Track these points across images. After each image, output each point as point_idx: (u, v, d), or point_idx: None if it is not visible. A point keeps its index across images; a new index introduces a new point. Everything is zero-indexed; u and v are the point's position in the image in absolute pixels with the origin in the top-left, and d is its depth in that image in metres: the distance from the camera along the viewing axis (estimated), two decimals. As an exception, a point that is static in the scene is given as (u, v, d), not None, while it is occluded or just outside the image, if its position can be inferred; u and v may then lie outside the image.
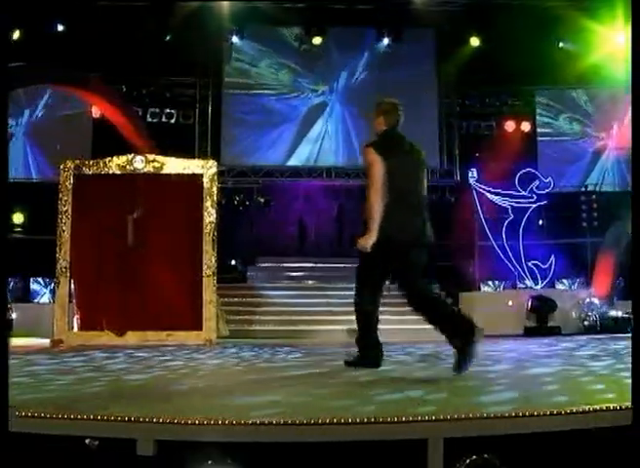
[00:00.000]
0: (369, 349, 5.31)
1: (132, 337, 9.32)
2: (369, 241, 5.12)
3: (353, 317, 12.08)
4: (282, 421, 2.88)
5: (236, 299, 13.94)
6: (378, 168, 5.18)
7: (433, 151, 18.28)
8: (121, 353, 7.29)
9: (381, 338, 5.32)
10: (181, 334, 9.44)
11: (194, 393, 3.66)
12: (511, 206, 14.93)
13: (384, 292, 5.42)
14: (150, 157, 10.12)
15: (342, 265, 16.80)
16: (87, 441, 2.89)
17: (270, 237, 17.89)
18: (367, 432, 2.83)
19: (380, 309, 5.42)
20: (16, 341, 8.63)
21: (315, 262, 16.95)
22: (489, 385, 4.00)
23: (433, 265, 15.95)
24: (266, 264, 17.09)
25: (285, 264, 17.04)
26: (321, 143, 18.54)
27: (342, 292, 14.75)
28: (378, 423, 2.84)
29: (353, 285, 15.12)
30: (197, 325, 9.51)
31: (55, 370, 4.94)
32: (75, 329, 9.52)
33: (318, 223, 18.34)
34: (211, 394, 3.62)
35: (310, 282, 16.16)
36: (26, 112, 17.22)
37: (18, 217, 15.49)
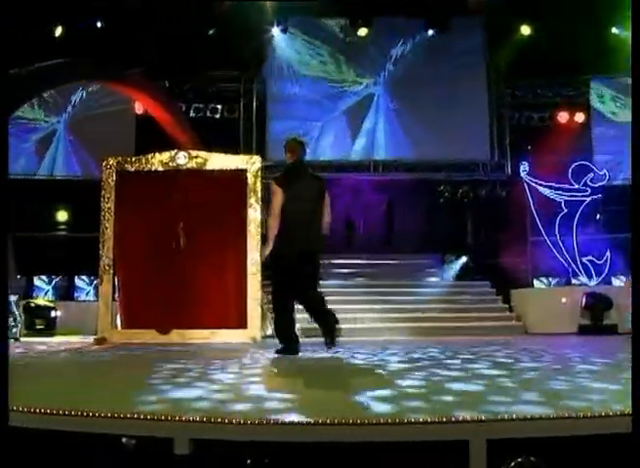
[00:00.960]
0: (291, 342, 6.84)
1: (175, 336, 9.39)
2: (264, 252, 6.90)
3: (401, 314, 12.17)
4: (320, 421, 2.87)
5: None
6: (276, 199, 6.67)
7: (483, 144, 18.14)
8: (158, 349, 7.37)
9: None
10: (226, 333, 9.48)
11: (231, 391, 3.68)
12: (564, 200, 14.71)
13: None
14: (193, 153, 10.20)
15: (392, 262, 16.78)
16: (124, 440, 2.92)
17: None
18: (405, 432, 2.81)
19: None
20: (59, 339, 8.77)
21: (364, 259, 16.92)
22: (534, 384, 3.93)
23: (484, 262, 16.15)
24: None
25: (333, 261, 17.02)
26: (368, 137, 18.48)
27: (392, 289, 14.77)
28: (417, 423, 2.82)
29: (403, 281, 15.25)
30: (242, 323, 9.53)
31: (91, 367, 5.01)
32: (119, 326, 9.64)
33: (367, 219, 18.30)
34: (249, 392, 3.63)
35: (359, 279, 16.13)
36: (68, 109, 17.50)
37: (62, 215, 15.79)
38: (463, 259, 16.69)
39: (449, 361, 5.55)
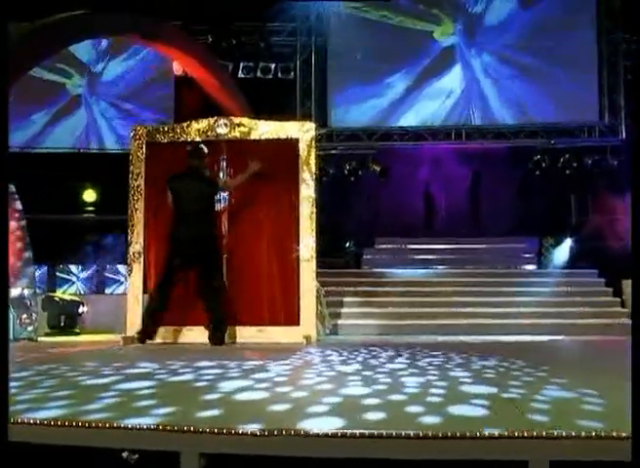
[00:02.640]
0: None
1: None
2: None
3: (492, 309, 12.23)
4: (357, 434, 2.87)
5: (348, 288, 13.99)
6: (167, 194, 9.18)
7: (591, 103, 17.79)
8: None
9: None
10: (275, 330, 9.49)
11: (255, 400, 3.70)
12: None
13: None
14: (236, 120, 10.23)
15: (480, 246, 16.66)
16: (124, 454, 2.98)
17: (390, 213, 17.90)
18: (452, 449, 2.80)
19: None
20: (85, 338, 8.93)
21: (445, 243, 16.84)
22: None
23: (590, 246, 15.83)
24: (386, 246, 17.12)
25: (409, 246, 17.00)
26: (451, 98, 18.32)
27: (478, 279, 14.64)
28: (465, 438, 2.80)
29: (491, 270, 15.43)
30: (293, 319, 9.55)
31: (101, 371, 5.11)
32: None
33: (449, 195, 18.23)
34: (274, 402, 3.64)
35: (440, 267, 16.06)
36: (94, 70, 17.79)
37: (90, 195, 16.05)
38: (566, 243, 16.45)
39: (529, 369, 5.43)
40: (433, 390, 4.00)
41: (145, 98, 16.57)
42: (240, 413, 3.33)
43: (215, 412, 3.28)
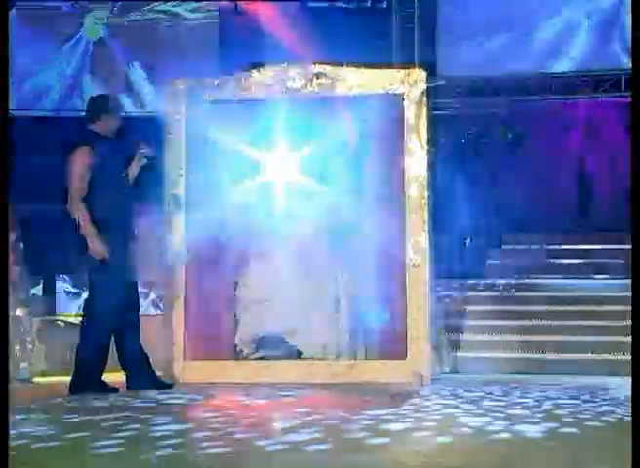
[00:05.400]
0: None
1: (284, 371, 9.51)
2: None
3: None
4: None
5: (472, 307, 13.90)
6: None
7: None
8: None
9: None
10: (371, 366, 9.51)
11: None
12: None
13: None
14: (315, 69, 10.21)
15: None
16: None
17: (526, 199, 17.78)
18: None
19: None
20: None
21: (608, 243, 16.64)
22: None
23: None
24: (520, 246, 16.98)
25: (553, 246, 16.83)
26: (617, 30, 18.06)
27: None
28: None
29: None
30: (398, 350, 9.53)
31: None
32: (190, 357, 9.63)
33: (613, 174, 18.02)
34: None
35: (600, 277, 15.87)
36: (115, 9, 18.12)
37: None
38: None
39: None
40: None
41: (181, 43, 16.67)
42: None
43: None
